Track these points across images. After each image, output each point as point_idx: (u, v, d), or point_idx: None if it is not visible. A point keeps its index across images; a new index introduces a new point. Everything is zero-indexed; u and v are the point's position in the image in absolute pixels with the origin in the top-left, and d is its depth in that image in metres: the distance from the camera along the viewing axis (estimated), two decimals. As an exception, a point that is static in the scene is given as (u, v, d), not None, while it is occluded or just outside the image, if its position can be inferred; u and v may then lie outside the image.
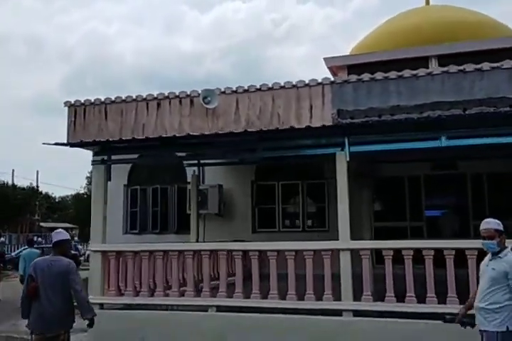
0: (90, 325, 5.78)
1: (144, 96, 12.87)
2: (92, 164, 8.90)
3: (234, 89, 12.25)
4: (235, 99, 12.21)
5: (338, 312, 8.01)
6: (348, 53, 17.34)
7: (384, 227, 11.52)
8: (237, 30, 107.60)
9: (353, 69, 14.88)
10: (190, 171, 12.81)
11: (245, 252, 8.44)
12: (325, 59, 15.71)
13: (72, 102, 13.44)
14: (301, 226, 12.08)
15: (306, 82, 11.79)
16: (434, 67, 13.80)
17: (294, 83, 11.87)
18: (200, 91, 12.46)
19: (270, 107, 11.85)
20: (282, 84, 11.94)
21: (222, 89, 12.22)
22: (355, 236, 9.06)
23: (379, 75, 11.21)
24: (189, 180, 12.85)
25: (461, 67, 10.68)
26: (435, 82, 10.84)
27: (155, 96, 12.80)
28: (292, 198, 12.33)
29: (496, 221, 4.84)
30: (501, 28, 16.60)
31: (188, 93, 12.58)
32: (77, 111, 13.33)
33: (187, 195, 12.81)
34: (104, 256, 8.91)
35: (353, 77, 11.36)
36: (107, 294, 8.90)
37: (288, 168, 11.67)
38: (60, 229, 6.25)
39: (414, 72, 10.89)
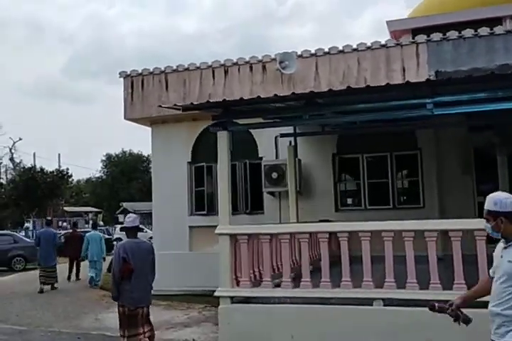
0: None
1: (210, 63, 11.62)
2: (211, 131, 7.63)
3: (313, 51, 10.94)
4: (315, 63, 10.92)
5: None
6: (405, 16, 15.90)
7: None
8: (240, 10, 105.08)
9: (419, 33, 13.44)
10: (262, 145, 11.65)
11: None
12: (388, 22, 14.27)
13: (128, 72, 12.26)
14: (392, 203, 10.89)
15: (398, 41, 10.48)
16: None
17: (382, 43, 10.55)
18: (274, 56, 11.20)
19: (355, 71, 10.55)
20: (369, 44, 10.63)
21: (299, 53, 10.94)
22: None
23: (483, 31, 9.86)
24: (261, 154, 11.69)
25: None
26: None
27: (222, 62, 11.54)
28: (380, 172, 11.10)
29: (495, 197, 3.24)
30: None
31: (260, 58, 11.30)
32: (134, 82, 12.15)
33: (261, 171, 11.67)
34: (234, 240, 7.11)
35: (453, 34, 10.01)
36: (241, 285, 7.06)
37: (374, 138, 10.44)
38: (133, 215, 6.64)
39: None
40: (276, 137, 11.46)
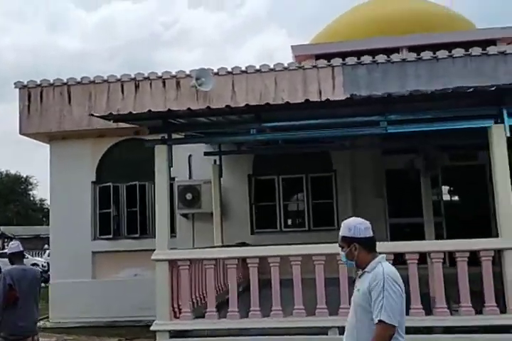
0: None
1: (119, 77, 10.93)
2: (147, 145, 6.91)
3: (229, 69, 10.72)
4: (231, 81, 10.70)
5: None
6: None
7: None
8: (126, 31, 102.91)
9: (322, 59, 13.87)
10: (174, 165, 11.01)
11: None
12: (293, 47, 14.52)
13: (25, 83, 11.12)
14: (307, 225, 10.82)
15: (314, 63, 10.60)
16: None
17: (299, 64, 10.63)
18: (188, 72, 10.80)
19: (272, 91, 10.49)
20: (286, 65, 10.65)
21: (215, 70, 10.65)
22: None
23: (396, 57, 10.31)
24: (173, 174, 11.05)
25: (485, 51, 10.08)
26: (456, 65, 10.14)
27: (132, 76, 10.90)
28: (295, 194, 11.03)
29: (350, 223, 3.08)
30: (460, 19, 16.44)
31: (174, 73, 10.84)
32: (32, 93, 11.04)
33: (173, 192, 11.02)
34: (172, 267, 6.46)
35: (367, 59, 10.34)
36: (182, 317, 6.26)
37: (289, 159, 10.37)
38: (17, 241, 6.46)
39: (435, 54, 10.13)
40: (189, 156, 10.99)
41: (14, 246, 5.94)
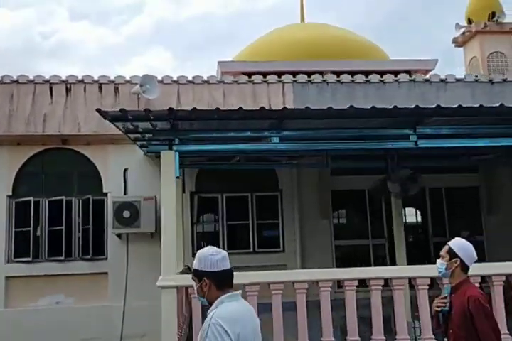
0: None
1: (47, 78, 9.65)
2: (148, 151, 5.91)
3: (175, 78, 9.95)
4: (177, 90, 9.93)
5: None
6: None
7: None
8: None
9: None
10: (108, 179, 9.93)
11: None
12: (220, 62, 14.05)
13: None
14: (252, 246, 10.28)
15: (265, 78, 10.20)
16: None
17: (249, 78, 10.16)
18: (129, 77, 9.84)
19: (221, 103, 9.88)
20: (234, 78, 10.14)
21: (160, 78, 9.82)
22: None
23: (345, 78, 10.26)
24: (106, 190, 9.96)
25: (427, 77, 10.42)
26: (401, 89, 10.34)
27: (63, 78, 9.69)
28: (240, 213, 10.43)
29: (200, 253, 2.79)
30: (376, 49, 16.97)
31: (112, 78, 9.82)
32: None
33: (103, 209, 9.89)
34: (182, 294, 5.72)
35: (318, 78, 10.19)
36: None
37: (234, 176, 9.84)
38: None
39: (382, 78, 10.26)
40: (125, 170, 10.00)
41: None
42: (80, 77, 9.70)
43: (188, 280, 5.27)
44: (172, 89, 9.88)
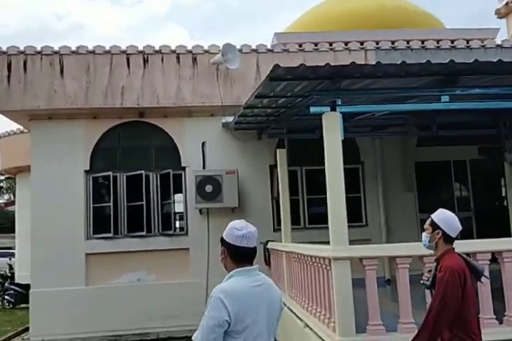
0: None
1: (124, 48, 9.34)
2: (312, 112, 5.13)
3: (254, 47, 9.60)
4: (255, 60, 9.58)
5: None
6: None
7: None
8: (14, 20, 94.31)
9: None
10: (185, 152, 9.63)
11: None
12: (276, 34, 13.69)
13: (4, 49, 9.13)
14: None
15: (346, 45, 9.82)
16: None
17: (330, 46, 9.78)
18: (207, 47, 9.50)
19: (302, 73, 9.51)
20: (314, 46, 9.76)
21: (239, 47, 9.46)
22: None
23: (430, 44, 9.86)
24: (184, 164, 9.66)
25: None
26: (487, 55, 9.89)
27: (140, 49, 9.37)
28: (319, 187, 10.05)
29: (230, 225, 2.77)
30: (430, 18, 16.51)
31: (190, 48, 9.48)
32: (13, 62, 9.09)
33: (181, 183, 9.58)
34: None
35: (402, 44, 9.80)
36: (373, 331, 4.73)
37: (313, 149, 9.46)
38: None
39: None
40: (203, 143, 9.68)
41: None
42: (157, 48, 9.37)
43: (365, 250, 5.06)
44: (251, 58, 9.53)
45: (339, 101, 5.03)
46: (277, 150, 7.97)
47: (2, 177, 63.67)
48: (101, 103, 9.20)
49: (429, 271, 3.37)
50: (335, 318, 4.77)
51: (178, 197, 9.74)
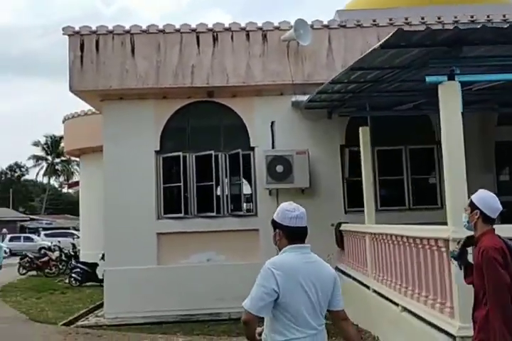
0: None
1: (194, 27, 9.21)
2: (428, 81, 4.82)
3: (325, 23, 9.28)
4: (327, 36, 9.27)
5: None
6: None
7: None
8: (61, 7, 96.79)
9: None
10: (255, 132, 9.50)
11: None
12: (338, 12, 13.21)
13: (77, 29, 9.18)
14: (407, 203, 9.65)
15: (428, 20, 9.35)
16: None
17: (406, 20, 9.34)
18: (277, 23, 9.25)
19: (375, 49, 9.13)
20: (391, 20, 9.34)
21: (309, 23, 9.16)
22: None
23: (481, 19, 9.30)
24: (253, 144, 9.54)
25: None
26: None
27: (210, 27, 9.23)
28: (393, 168, 9.78)
29: (282, 207, 2.94)
30: None
31: (259, 25, 9.26)
32: (86, 42, 9.14)
33: (250, 164, 9.46)
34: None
35: (482, 17, 9.26)
36: None
37: (386, 128, 9.14)
38: None
39: None
40: (272, 123, 9.50)
41: None
42: (226, 25, 9.20)
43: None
44: (323, 34, 9.22)
45: (457, 70, 4.67)
46: (360, 128, 7.66)
47: (58, 160, 66.46)
48: (171, 82, 9.14)
49: (458, 243, 3.41)
50: (452, 303, 4.44)
51: (248, 177, 9.62)
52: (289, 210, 2.84)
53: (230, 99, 9.49)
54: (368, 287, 6.86)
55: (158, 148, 9.47)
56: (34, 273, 17.37)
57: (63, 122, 16.70)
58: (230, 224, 9.40)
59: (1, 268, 14.09)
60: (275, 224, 2.87)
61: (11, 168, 67.13)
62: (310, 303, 2.70)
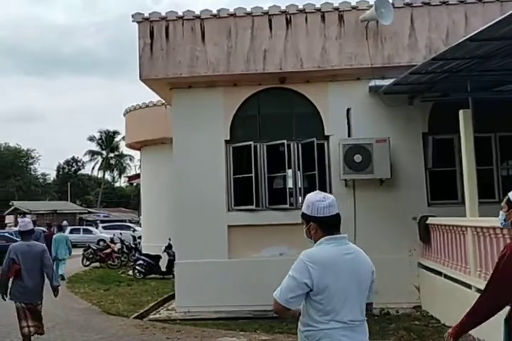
0: (56, 293, 6.49)
1: (266, 9, 8.78)
2: None
3: (408, 1, 8.64)
4: (409, 15, 8.63)
5: None
6: None
7: None
8: (113, 5, 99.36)
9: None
10: (329, 120, 9.02)
11: None
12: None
13: (146, 15, 8.93)
14: (497, 195, 8.95)
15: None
16: None
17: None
18: (355, 3, 8.69)
19: (462, 28, 8.45)
20: (476, -3, 8.60)
21: (390, 1, 8.54)
22: None
23: None
24: (328, 132, 9.05)
25: None
26: None
27: (282, 9, 8.77)
28: (482, 157, 9.05)
29: (308, 199, 2.87)
30: None
31: (336, 5, 8.72)
32: (155, 28, 8.87)
33: (324, 153, 8.98)
34: None
35: None
36: None
37: (474, 115, 8.40)
38: (26, 219, 7.08)
39: None
40: (348, 110, 8.96)
41: (23, 224, 6.59)
42: (300, 7, 8.71)
43: None
44: (405, 13, 8.59)
45: None
46: (460, 111, 6.99)
47: (112, 155, 68.06)
48: (242, 69, 8.76)
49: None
50: None
51: (322, 168, 9.13)
52: (319, 200, 2.76)
53: (302, 85, 9.02)
54: (468, 286, 6.25)
55: (228, 138, 9.13)
56: (97, 264, 17.55)
57: (124, 115, 16.69)
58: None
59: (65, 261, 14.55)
60: (307, 218, 2.80)
61: (68, 162, 69.35)
62: (349, 297, 2.63)
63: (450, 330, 3.15)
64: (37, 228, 14.75)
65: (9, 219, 39.01)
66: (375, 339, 5.77)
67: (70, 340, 6.82)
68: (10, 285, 6.20)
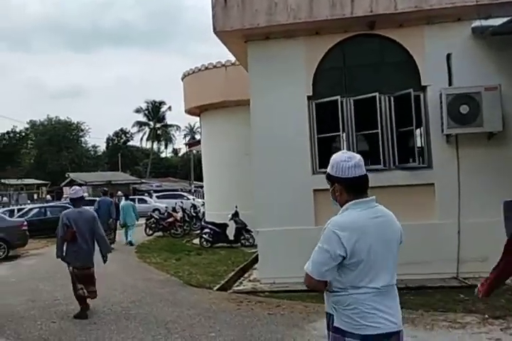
0: (105, 260, 6.92)
1: None
2: None
3: None
4: None
5: None
6: None
7: None
8: None
9: None
10: (426, 68, 7.97)
11: None
12: None
13: (217, -42, 7.99)
14: None
15: None
16: None
17: None
18: None
19: None
20: None
21: None
22: None
23: None
24: (424, 82, 8.03)
25: None
26: None
27: None
28: None
29: (333, 159, 2.69)
30: None
31: None
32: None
33: (420, 107, 8.00)
34: None
35: None
36: None
37: None
38: (76, 187, 7.38)
39: None
40: (448, 55, 7.86)
41: (73, 192, 6.94)
42: None
43: None
44: None
45: None
46: None
47: (158, 125, 68.21)
48: (327, 14, 7.77)
49: None
50: None
51: (418, 123, 8.14)
52: (345, 160, 2.63)
53: (395, 30, 7.96)
54: None
55: (310, 93, 8.23)
56: (160, 233, 17.28)
57: (182, 79, 15.97)
58: (398, 178, 8.07)
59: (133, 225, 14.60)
60: (332, 179, 2.69)
61: (117, 134, 70.01)
62: (381, 261, 2.55)
63: (479, 287, 3.10)
64: (107, 198, 14.55)
65: (66, 190, 39.79)
66: None
67: (162, 316, 6.27)
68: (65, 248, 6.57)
